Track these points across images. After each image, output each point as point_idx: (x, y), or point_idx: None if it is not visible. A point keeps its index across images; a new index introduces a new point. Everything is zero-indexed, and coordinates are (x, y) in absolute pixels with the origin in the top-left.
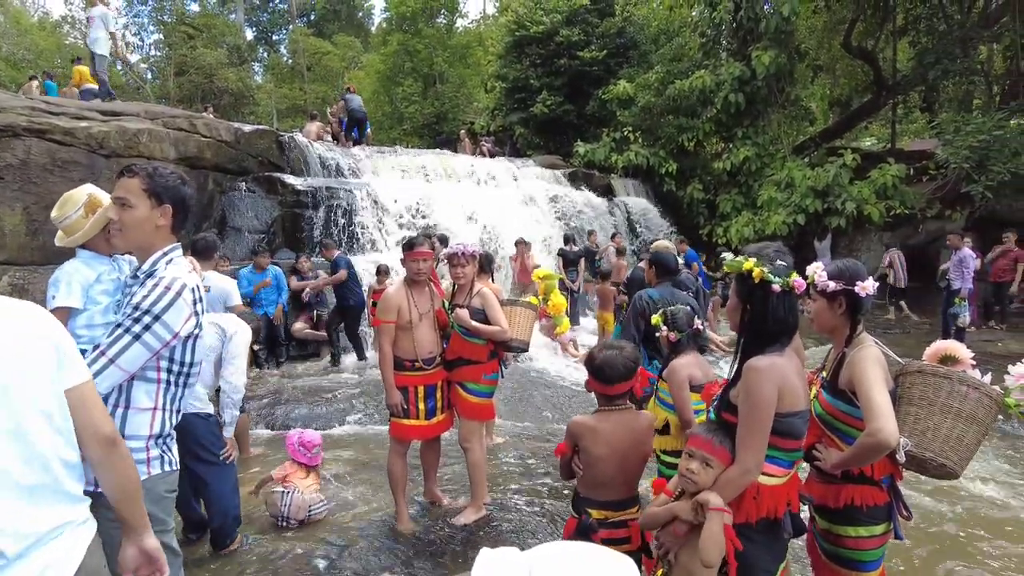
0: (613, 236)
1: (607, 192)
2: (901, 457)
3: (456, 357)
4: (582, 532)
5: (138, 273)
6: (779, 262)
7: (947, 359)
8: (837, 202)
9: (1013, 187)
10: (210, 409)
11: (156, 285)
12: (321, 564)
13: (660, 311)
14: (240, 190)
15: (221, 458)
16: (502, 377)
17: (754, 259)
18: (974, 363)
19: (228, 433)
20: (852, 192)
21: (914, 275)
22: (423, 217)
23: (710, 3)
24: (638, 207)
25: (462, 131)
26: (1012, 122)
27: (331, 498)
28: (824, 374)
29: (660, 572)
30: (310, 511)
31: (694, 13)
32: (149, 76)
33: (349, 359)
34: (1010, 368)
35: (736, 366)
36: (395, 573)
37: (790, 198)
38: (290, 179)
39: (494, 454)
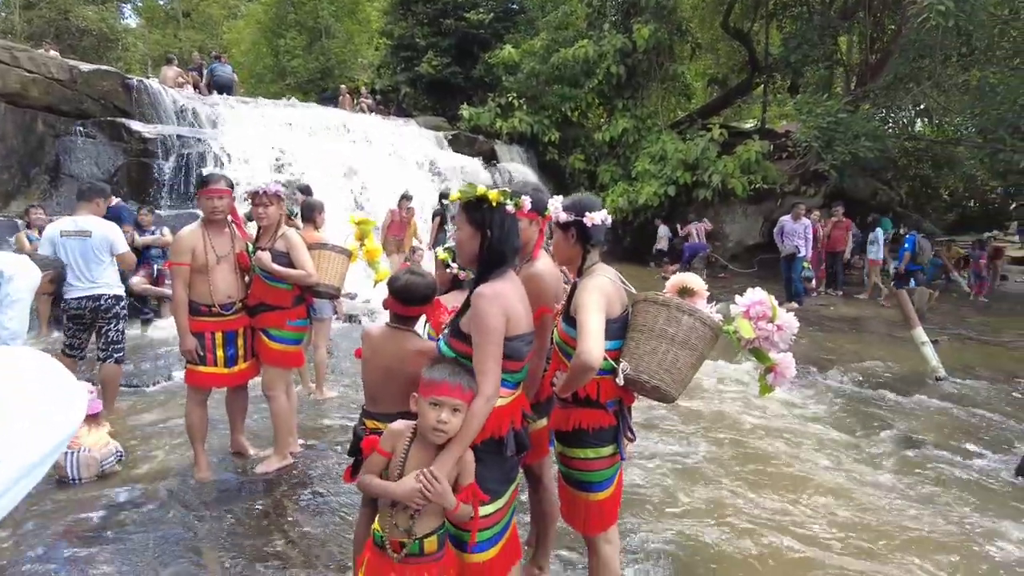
0: None
1: (491, 157)
2: (620, 380)
3: (258, 303)
4: (354, 437)
5: None
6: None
7: (684, 291)
8: (705, 175)
9: (855, 167)
10: None
11: None
12: (96, 517)
13: (447, 248)
14: (77, 134)
15: None
16: (311, 324)
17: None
18: (708, 294)
19: None
20: (718, 166)
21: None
22: (284, 170)
23: None
24: (519, 174)
25: (342, 87)
26: (863, 107)
27: (134, 454)
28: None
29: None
30: (102, 467)
31: None
32: None
33: None
34: (736, 298)
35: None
36: (179, 523)
37: (662, 170)
38: (137, 125)
39: (322, 408)
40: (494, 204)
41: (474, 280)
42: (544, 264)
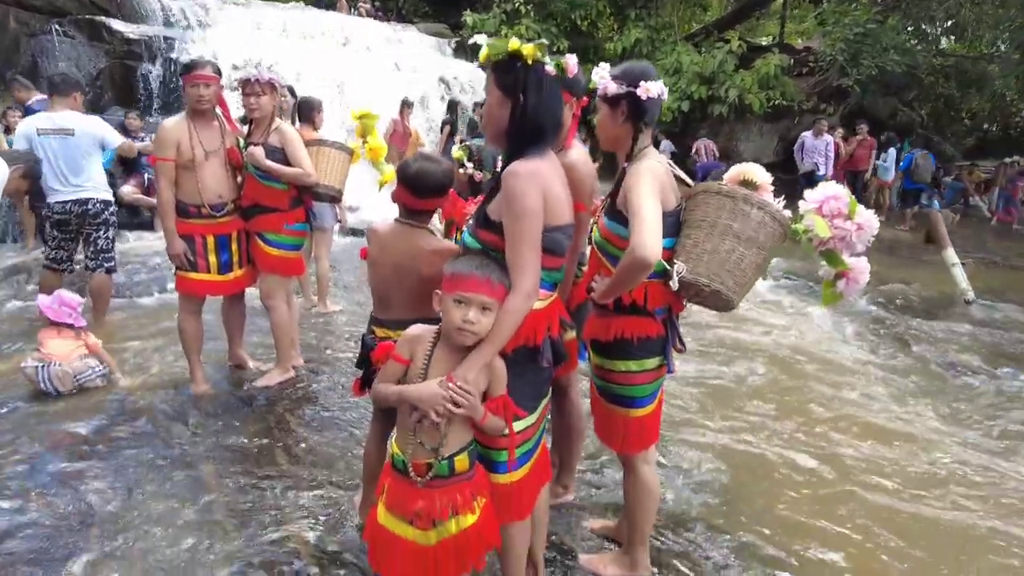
0: None
1: None
2: (674, 284)
3: (252, 204)
4: (362, 347)
5: None
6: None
7: (746, 183)
8: (721, 90)
9: (880, 83)
10: None
11: None
12: (86, 431)
13: (463, 145)
14: (54, 33)
15: None
16: (311, 229)
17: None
18: (773, 188)
19: None
20: (735, 80)
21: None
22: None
23: None
24: None
25: None
26: (890, 20)
27: (127, 367)
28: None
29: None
30: (78, 380)
31: None
32: None
33: None
34: (806, 194)
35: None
36: (175, 438)
37: (676, 84)
38: (118, 25)
39: (325, 321)
40: (529, 62)
41: (505, 158)
42: (578, 154)
